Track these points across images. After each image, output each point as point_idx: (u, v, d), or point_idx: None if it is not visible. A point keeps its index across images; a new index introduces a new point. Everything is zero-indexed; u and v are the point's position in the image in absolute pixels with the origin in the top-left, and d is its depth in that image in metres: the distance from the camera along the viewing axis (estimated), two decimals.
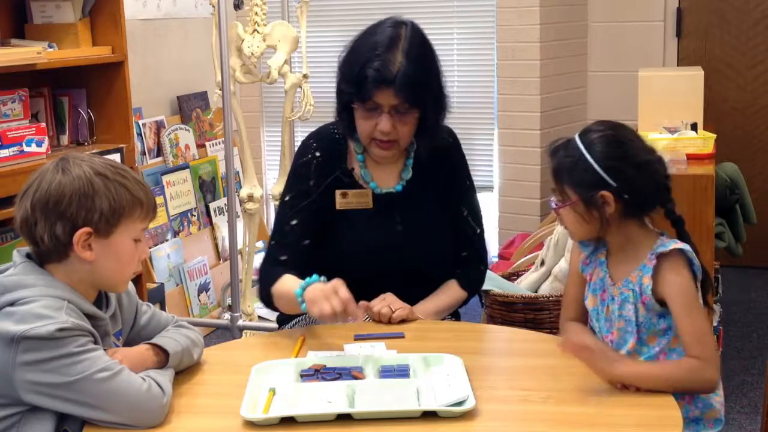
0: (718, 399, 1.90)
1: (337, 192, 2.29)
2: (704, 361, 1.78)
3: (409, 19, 2.28)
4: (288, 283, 2.15)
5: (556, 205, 1.94)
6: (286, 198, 2.33)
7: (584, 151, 1.87)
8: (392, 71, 2.15)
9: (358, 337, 2.07)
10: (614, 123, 1.94)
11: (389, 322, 2.15)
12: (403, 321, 2.16)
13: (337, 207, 2.29)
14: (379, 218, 2.30)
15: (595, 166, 1.85)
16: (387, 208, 2.31)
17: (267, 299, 2.26)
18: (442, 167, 2.37)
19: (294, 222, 2.29)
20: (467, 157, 2.47)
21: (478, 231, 2.42)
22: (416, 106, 2.20)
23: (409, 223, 2.31)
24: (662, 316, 1.87)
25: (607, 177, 1.85)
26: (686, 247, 1.86)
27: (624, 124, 1.96)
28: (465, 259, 2.41)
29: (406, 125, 2.22)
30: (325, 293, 1.97)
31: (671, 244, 1.86)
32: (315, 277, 2.06)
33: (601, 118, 2.01)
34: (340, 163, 2.32)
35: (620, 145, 1.88)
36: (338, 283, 1.99)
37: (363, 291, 2.22)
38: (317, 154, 2.32)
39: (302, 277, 2.10)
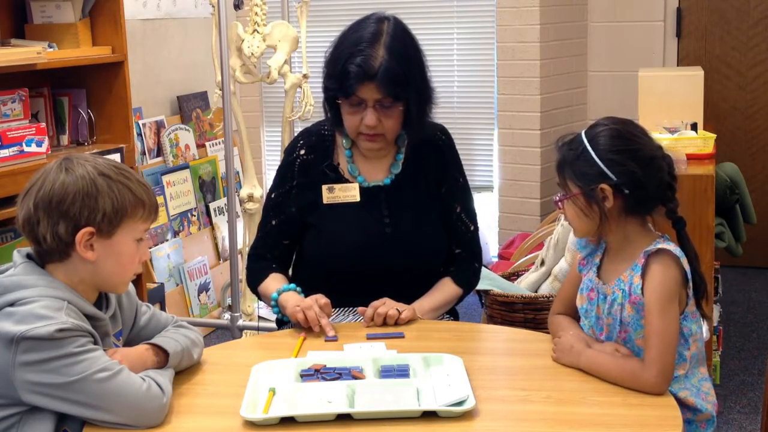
0: (708, 402, 1.88)
1: (324, 187, 2.32)
2: (648, 365, 1.76)
3: (392, 14, 2.30)
4: (270, 286, 2.31)
5: (558, 198, 1.94)
6: (272, 195, 2.41)
7: (587, 144, 1.88)
8: (374, 66, 2.17)
9: (371, 337, 2.08)
10: (623, 119, 1.94)
11: (396, 323, 2.15)
12: (407, 321, 2.17)
13: (324, 201, 2.32)
14: (366, 210, 2.32)
15: (596, 158, 1.86)
16: (374, 200, 2.33)
17: (256, 294, 2.41)
18: (433, 164, 2.38)
19: (274, 222, 2.39)
20: (466, 157, 2.48)
21: (472, 228, 2.43)
22: (400, 100, 2.22)
23: (396, 215, 2.33)
24: None
25: (608, 170, 1.85)
26: (676, 250, 1.84)
27: (632, 121, 1.95)
28: (459, 256, 2.42)
29: (391, 119, 2.24)
30: (302, 305, 2.14)
31: (661, 245, 1.85)
32: (292, 285, 2.27)
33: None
34: (326, 159, 2.35)
35: (624, 140, 1.87)
36: (313, 297, 2.16)
37: (352, 284, 2.24)
38: (302, 152, 2.37)
39: (285, 273, 2.36)
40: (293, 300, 2.20)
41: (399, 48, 2.21)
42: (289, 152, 2.39)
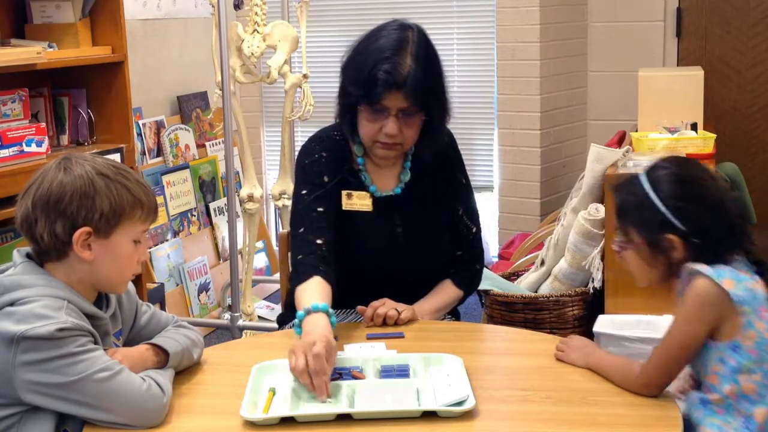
0: None
1: (343, 192, 2.30)
2: (643, 368, 1.74)
3: (414, 22, 2.28)
4: (304, 297, 2.04)
5: (619, 247, 1.84)
6: (303, 192, 2.27)
7: (649, 191, 1.77)
8: (402, 74, 2.15)
9: (371, 337, 2.08)
10: (683, 160, 1.84)
11: (396, 324, 2.15)
12: (407, 322, 2.17)
13: (343, 207, 2.29)
14: (379, 221, 2.30)
15: (661, 206, 1.75)
16: (387, 210, 2.31)
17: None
18: (439, 167, 2.37)
19: (321, 209, 2.24)
20: (467, 157, 2.47)
21: (474, 230, 2.42)
22: (423, 110, 2.21)
23: (408, 225, 2.32)
24: (711, 348, 1.74)
25: (674, 219, 1.75)
26: (714, 270, 1.70)
27: (694, 161, 1.84)
28: (460, 258, 2.41)
29: (411, 128, 2.22)
30: (304, 346, 1.79)
31: (698, 266, 1.72)
32: (324, 306, 1.95)
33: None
34: (345, 163, 2.32)
35: (689, 185, 1.77)
36: (321, 340, 1.80)
37: (364, 292, 2.22)
38: (323, 154, 2.31)
39: (335, 272, 2.11)
40: (309, 336, 1.84)
41: (425, 57, 2.20)
42: (309, 153, 2.32)
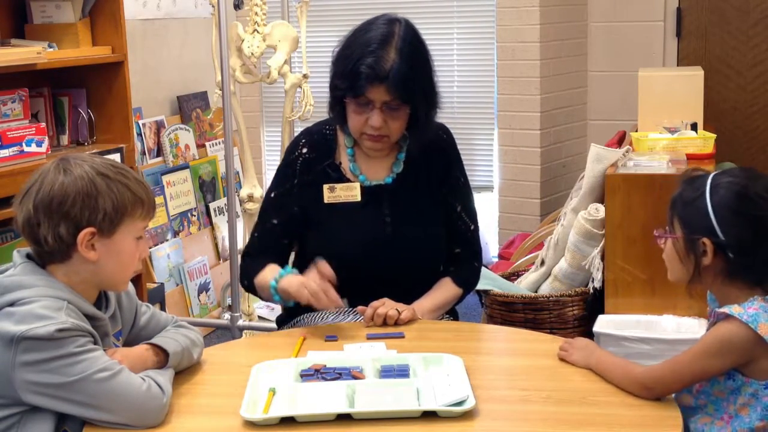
0: None
1: (325, 186, 2.32)
2: (646, 370, 1.74)
3: (403, 16, 2.30)
4: (267, 276, 2.25)
5: (659, 233, 1.83)
6: (271, 194, 2.39)
7: (706, 191, 1.74)
8: (385, 68, 2.17)
9: (371, 337, 2.08)
10: (756, 175, 1.78)
11: (396, 324, 2.15)
12: (407, 322, 2.17)
13: (325, 201, 2.32)
14: (367, 210, 2.32)
15: (709, 209, 1.72)
16: (375, 200, 2.33)
17: (250, 289, 2.36)
18: (435, 163, 2.38)
19: (276, 221, 2.36)
20: (467, 157, 2.49)
21: (472, 228, 2.43)
22: (407, 103, 2.22)
23: (397, 215, 2.32)
24: (730, 377, 1.74)
25: (717, 226, 1.72)
26: (749, 315, 1.68)
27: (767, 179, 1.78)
28: (459, 255, 2.41)
29: (396, 121, 2.24)
30: (301, 281, 2.12)
31: (730, 309, 1.70)
32: (288, 269, 2.22)
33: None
34: (327, 158, 2.35)
35: (748, 202, 1.72)
36: (314, 275, 2.12)
37: (352, 284, 2.23)
38: (304, 150, 2.36)
39: (282, 265, 2.26)
40: (296, 280, 2.15)
41: (409, 51, 2.21)
42: (291, 151, 2.39)
